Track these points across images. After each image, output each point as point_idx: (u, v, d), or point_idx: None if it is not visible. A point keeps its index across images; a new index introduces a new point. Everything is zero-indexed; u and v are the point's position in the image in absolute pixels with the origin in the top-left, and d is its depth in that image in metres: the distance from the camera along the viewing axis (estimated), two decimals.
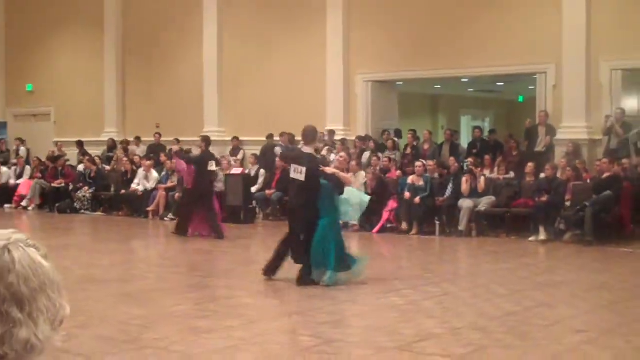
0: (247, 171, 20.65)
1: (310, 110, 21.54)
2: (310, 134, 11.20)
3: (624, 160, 16.42)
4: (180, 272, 12.34)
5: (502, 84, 26.09)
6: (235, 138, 22.62)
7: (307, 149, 11.03)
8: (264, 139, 21.66)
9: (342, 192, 10.58)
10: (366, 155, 19.68)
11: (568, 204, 15.85)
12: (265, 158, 21.01)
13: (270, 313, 9.00)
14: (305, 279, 10.37)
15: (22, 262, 1.85)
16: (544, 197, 15.91)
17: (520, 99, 27.56)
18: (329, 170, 11.03)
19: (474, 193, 16.74)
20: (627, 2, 18.02)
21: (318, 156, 12.37)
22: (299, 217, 10.69)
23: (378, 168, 18.42)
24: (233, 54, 23.23)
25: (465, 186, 16.77)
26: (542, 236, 15.67)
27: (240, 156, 22.17)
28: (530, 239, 15.78)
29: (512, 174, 17.75)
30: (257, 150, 21.56)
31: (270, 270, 10.78)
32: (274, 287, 10.71)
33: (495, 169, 17.99)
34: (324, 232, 10.44)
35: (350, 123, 21.71)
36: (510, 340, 7.74)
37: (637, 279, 11.88)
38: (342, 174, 11.04)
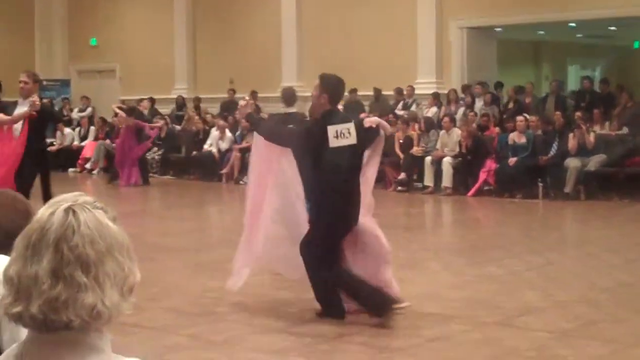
0: None
1: (398, 62, 21.44)
2: (292, 96, 12.35)
3: None
4: None
5: (614, 28, 25.46)
6: None
7: (292, 109, 12.17)
8: (347, 94, 21.65)
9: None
10: (461, 110, 19.52)
11: None
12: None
13: None
14: None
15: (88, 223, 1.90)
16: None
17: (637, 44, 26.89)
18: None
19: (582, 151, 16.46)
20: None
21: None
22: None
23: (474, 125, 18.25)
24: (313, 5, 23.19)
25: (572, 143, 16.48)
26: None
27: None
28: None
29: (625, 130, 17.39)
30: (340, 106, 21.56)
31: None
32: None
33: (607, 123, 17.65)
34: None
35: (444, 75, 21.52)
36: (623, 314, 7.64)
37: None
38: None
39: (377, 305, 7.23)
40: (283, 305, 8.05)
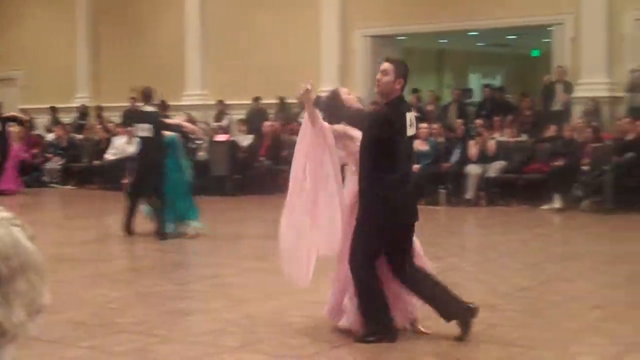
0: (233, 138, 20.64)
1: (302, 70, 21.44)
2: (150, 95, 13.39)
3: None
4: (161, 249, 12.37)
5: (514, 37, 26.01)
6: (220, 102, 22.60)
7: (149, 108, 13.22)
8: (251, 101, 21.66)
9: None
10: None
11: (586, 168, 15.86)
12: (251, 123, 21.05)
13: (259, 292, 9.04)
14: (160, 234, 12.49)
15: (4, 240, 1.85)
16: (559, 161, 15.94)
17: (535, 53, 27.49)
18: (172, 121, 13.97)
19: (483, 158, 16.76)
20: None
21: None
22: (150, 173, 12.78)
23: None
24: (217, 10, 23.13)
25: (473, 150, 16.79)
26: (558, 204, 15.75)
27: (225, 122, 22.15)
28: (545, 207, 15.85)
29: (524, 137, 17.77)
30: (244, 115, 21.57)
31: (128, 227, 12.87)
32: (263, 264, 10.75)
33: (506, 130, 18.01)
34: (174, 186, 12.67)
35: (348, 83, 21.65)
36: (523, 318, 7.79)
37: None
38: (186, 124, 14.10)
39: (458, 313, 6.97)
40: (184, 315, 8.00)
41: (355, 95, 7.83)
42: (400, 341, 6.95)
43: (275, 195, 18.87)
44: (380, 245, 6.92)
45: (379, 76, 6.74)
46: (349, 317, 7.14)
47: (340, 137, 7.12)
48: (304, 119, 7.20)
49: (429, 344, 6.96)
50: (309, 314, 7.95)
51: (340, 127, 7.15)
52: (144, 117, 13.13)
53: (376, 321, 6.93)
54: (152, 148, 12.80)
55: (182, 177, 13.05)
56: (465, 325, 6.92)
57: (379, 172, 6.77)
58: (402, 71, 6.87)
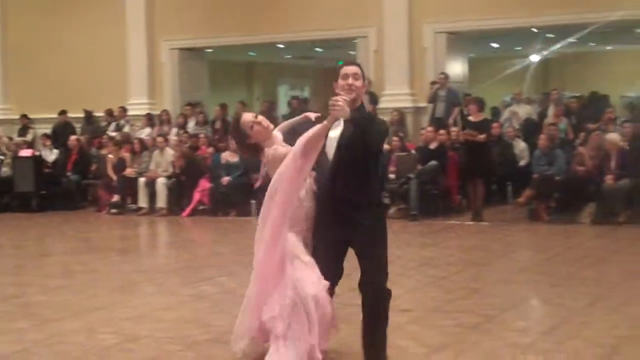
0: (38, 153, 20.03)
1: (109, 83, 21.22)
2: None
3: (453, 129, 17.01)
4: None
5: (321, 49, 26.46)
6: (24, 116, 21.93)
7: None
8: (57, 115, 21.14)
9: None
10: (174, 131, 19.56)
11: (392, 176, 16.29)
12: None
13: (66, 310, 8.80)
14: None
15: None
16: None
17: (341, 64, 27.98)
18: None
19: None
20: None
21: None
22: None
23: (186, 145, 18.32)
24: (19, 23, 22.45)
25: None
26: None
27: (29, 136, 21.52)
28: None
29: None
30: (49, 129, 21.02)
31: None
32: (70, 281, 10.50)
33: None
34: None
35: (156, 96, 21.47)
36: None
37: (464, 252, 12.41)
38: None
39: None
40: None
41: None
42: None
43: (83, 211, 18.53)
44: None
45: (350, 81, 5.85)
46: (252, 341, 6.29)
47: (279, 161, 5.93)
48: (301, 143, 5.72)
49: None
50: (119, 330, 7.80)
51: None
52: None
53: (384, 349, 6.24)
54: None
55: None
56: None
57: (378, 184, 6.17)
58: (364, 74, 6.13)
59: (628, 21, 18.02)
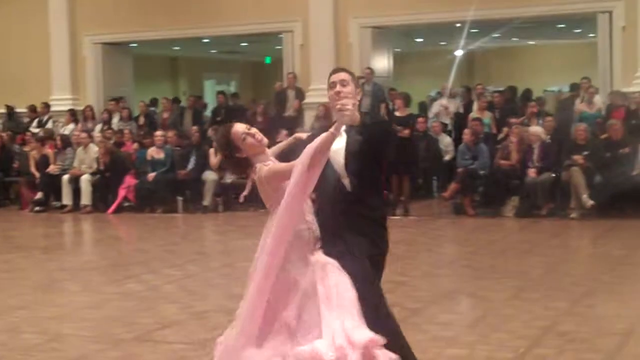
0: None
1: (31, 79, 20.91)
2: None
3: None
4: None
5: (246, 44, 26.40)
6: None
7: None
8: None
9: None
10: (98, 127, 19.36)
11: None
12: None
13: None
14: None
15: None
16: None
17: (267, 60, 28.05)
18: None
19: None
20: None
21: None
22: None
23: (111, 141, 18.14)
24: None
25: (213, 158, 16.88)
26: None
27: None
28: None
29: None
30: None
31: None
32: None
33: None
34: None
35: (80, 91, 21.21)
36: None
37: (390, 246, 12.46)
38: None
39: None
40: None
41: None
42: None
43: (6, 209, 18.25)
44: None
45: (338, 88, 5.30)
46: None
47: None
48: (307, 154, 4.87)
49: None
50: (43, 330, 7.72)
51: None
52: None
53: None
54: None
55: None
56: None
57: (380, 195, 5.75)
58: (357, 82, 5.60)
59: (550, 16, 18.33)
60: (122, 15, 20.52)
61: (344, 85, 5.31)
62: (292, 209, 4.95)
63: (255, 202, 16.64)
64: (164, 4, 20.12)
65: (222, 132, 5.35)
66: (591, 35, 19.06)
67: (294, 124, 17.99)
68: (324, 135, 4.86)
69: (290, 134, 17.18)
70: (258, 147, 5.19)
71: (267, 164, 5.14)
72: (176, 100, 21.87)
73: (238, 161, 5.28)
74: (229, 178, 16.05)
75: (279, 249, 4.98)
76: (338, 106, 4.95)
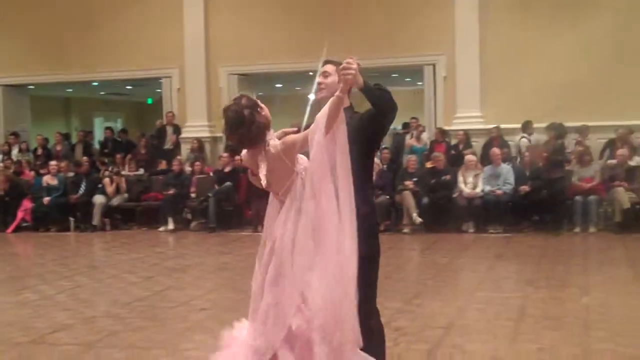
0: None
1: None
2: None
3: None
4: None
5: (131, 87, 25.98)
6: None
7: None
8: None
9: None
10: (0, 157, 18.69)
11: (193, 195, 16.21)
12: None
13: None
14: None
15: None
16: (171, 190, 16.16)
17: (149, 101, 27.62)
18: None
19: (118, 190, 16.66)
20: (238, 19, 18.63)
21: None
22: None
23: (10, 170, 17.54)
24: None
25: (109, 187, 16.59)
26: (171, 226, 15.95)
27: None
28: (160, 229, 15.96)
29: (142, 171, 17.88)
30: None
31: None
32: None
33: (126, 166, 18.02)
34: None
35: None
36: (141, 323, 7.74)
37: (254, 259, 12.41)
38: None
39: None
40: None
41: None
42: None
43: None
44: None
45: (320, 79, 4.70)
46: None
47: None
48: (322, 119, 4.15)
49: None
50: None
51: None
52: None
53: None
54: None
55: None
56: None
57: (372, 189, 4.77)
58: None
59: (386, 67, 18.61)
60: (20, 60, 19.88)
61: (325, 77, 4.70)
62: (323, 161, 4.10)
63: (136, 221, 16.45)
64: (58, 51, 19.57)
65: (234, 106, 4.31)
66: (419, 83, 19.48)
67: (171, 155, 17.81)
68: (331, 99, 4.13)
69: (169, 164, 17.08)
70: (267, 123, 4.32)
71: (279, 136, 4.37)
72: (67, 137, 21.34)
73: (258, 126, 4.25)
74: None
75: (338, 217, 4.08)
76: (344, 64, 4.18)
